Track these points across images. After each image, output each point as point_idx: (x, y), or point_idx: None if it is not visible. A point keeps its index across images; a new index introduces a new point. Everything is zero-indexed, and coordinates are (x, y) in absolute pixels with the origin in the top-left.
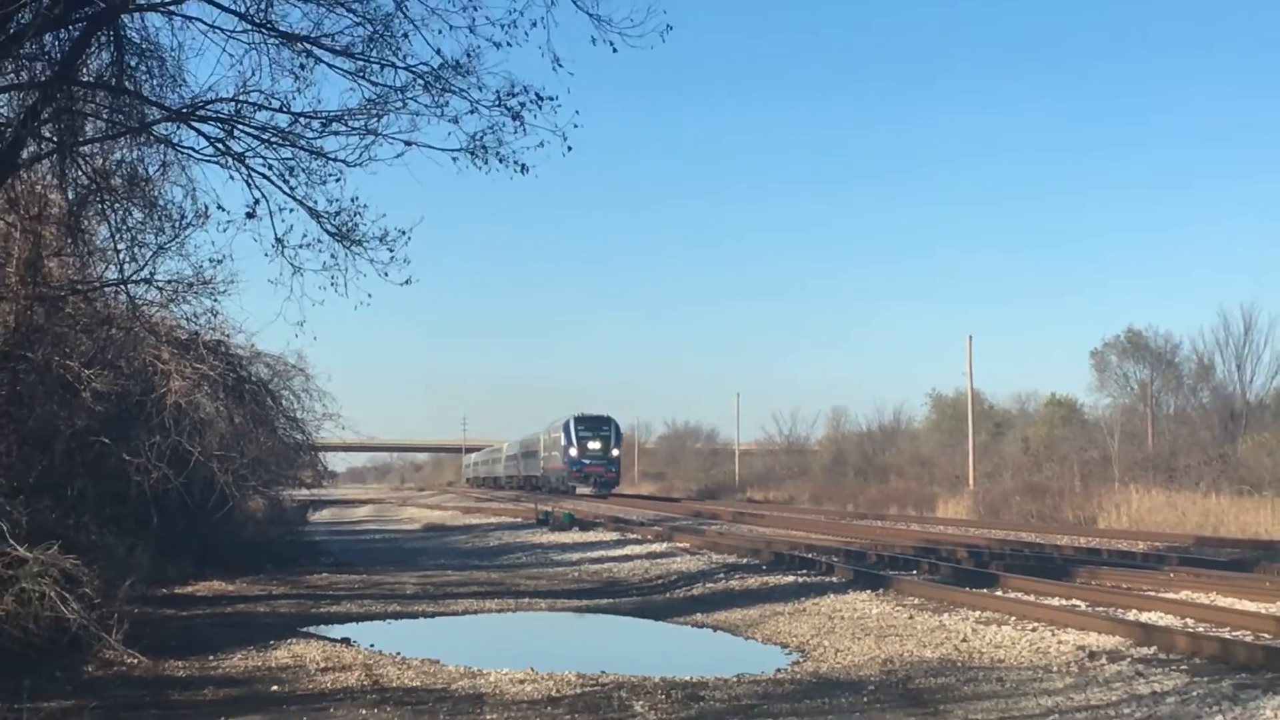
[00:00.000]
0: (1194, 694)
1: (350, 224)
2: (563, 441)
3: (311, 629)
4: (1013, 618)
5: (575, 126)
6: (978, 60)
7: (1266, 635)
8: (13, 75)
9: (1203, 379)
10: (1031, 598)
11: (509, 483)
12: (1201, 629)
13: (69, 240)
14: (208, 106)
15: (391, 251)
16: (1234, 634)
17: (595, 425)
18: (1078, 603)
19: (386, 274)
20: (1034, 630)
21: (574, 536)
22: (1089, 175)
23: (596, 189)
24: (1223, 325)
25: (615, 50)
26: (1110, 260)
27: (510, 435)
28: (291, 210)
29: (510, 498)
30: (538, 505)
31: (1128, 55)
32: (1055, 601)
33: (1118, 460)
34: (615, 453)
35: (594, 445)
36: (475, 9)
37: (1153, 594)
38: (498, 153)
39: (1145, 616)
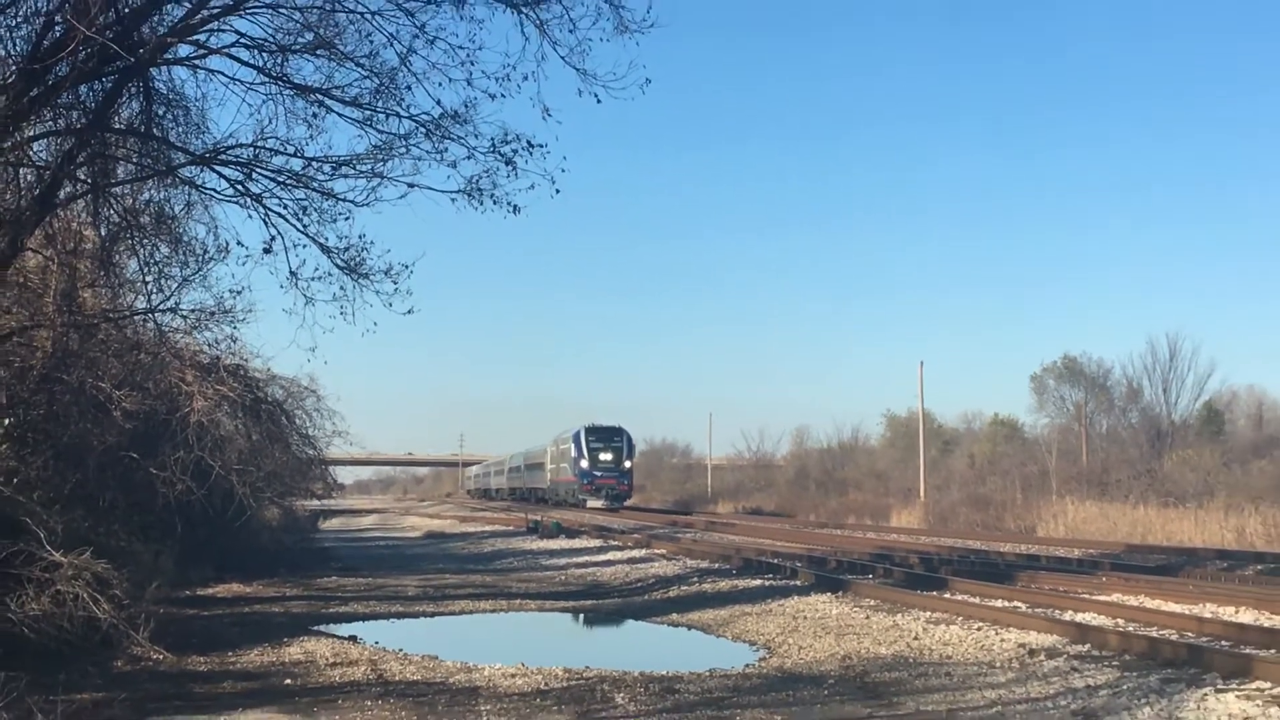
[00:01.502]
0: (1124, 687)
1: (358, 259)
2: (572, 453)
3: (321, 628)
4: (960, 618)
5: (563, 171)
6: (929, 117)
7: (1190, 634)
8: (51, 122)
9: (1132, 401)
10: (977, 600)
11: (511, 495)
12: (1131, 628)
13: (101, 273)
14: (228, 151)
15: (395, 284)
16: (1160, 633)
17: (607, 436)
18: (1019, 604)
19: (391, 304)
20: (979, 629)
21: (561, 543)
22: (1029, 218)
23: (584, 225)
24: (1150, 352)
25: (599, 101)
26: (1048, 293)
27: (502, 450)
28: (304, 246)
29: (503, 508)
30: (528, 515)
31: (1061, 112)
32: (998, 603)
33: (1055, 474)
34: (628, 464)
35: (606, 457)
36: (472, 64)
37: (1087, 596)
38: (492, 194)
39: (1080, 617)
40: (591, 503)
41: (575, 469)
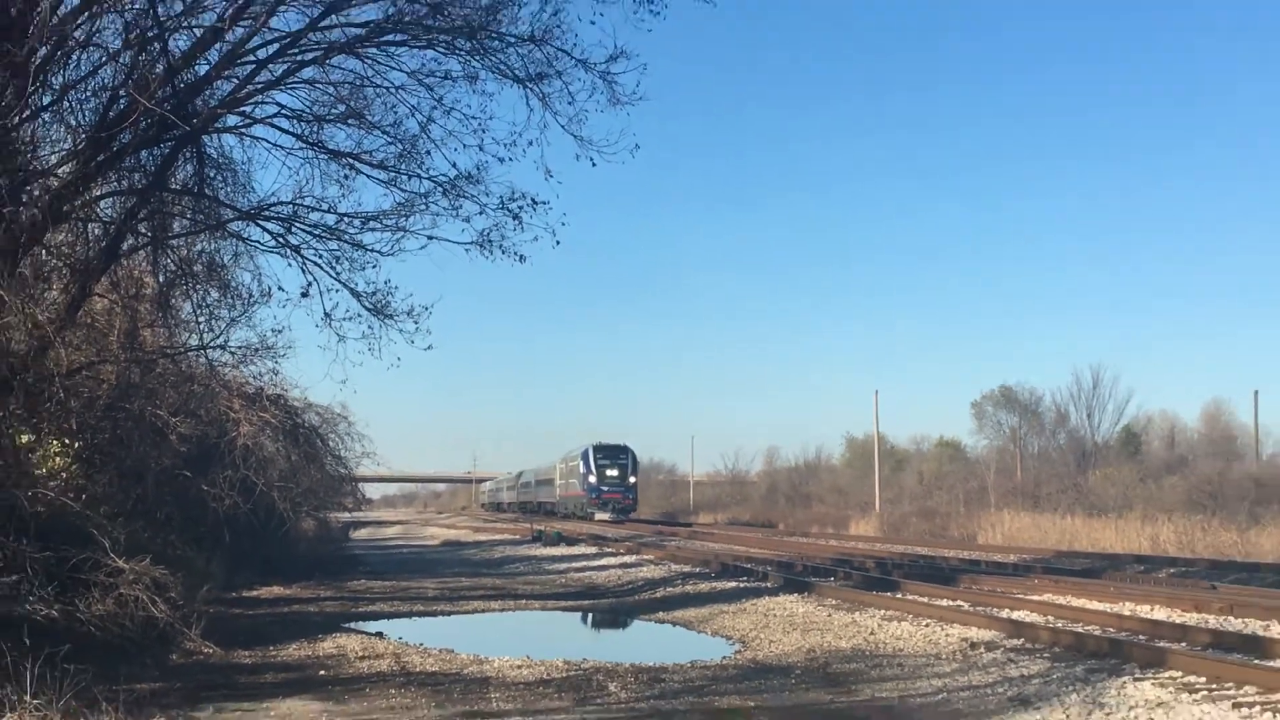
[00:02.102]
0: (1054, 676)
1: (384, 302)
2: (581, 469)
3: (352, 625)
4: (910, 615)
5: (563, 225)
6: (883, 175)
7: (1111, 629)
8: (115, 183)
9: (1060, 424)
10: (925, 599)
11: (521, 509)
12: (1060, 624)
13: (160, 314)
14: (271, 208)
15: (416, 324)
16: (1086, 628)
17: (613, 454)
18: (962, 603)
19: (413, 341)
20: (927, 625)
21: (562, 550)
22: (969, 262)
23: (582, 271)
24: (1076, 382)
25: (594, 164)
26: (987, 329)
27: (509, 468)
28: (337, 291)
29: (511, 519)
30: (533, 525)
31: (985, 170)
32: (944, 602)
33: (993, 489)
34: (633, 479)
35: (612, 473)
36: (484, 131)
37: (1021, 596)
38: (501, 246)
39: (1015, 614)
40: (599, 515)
41: (584, 484)
